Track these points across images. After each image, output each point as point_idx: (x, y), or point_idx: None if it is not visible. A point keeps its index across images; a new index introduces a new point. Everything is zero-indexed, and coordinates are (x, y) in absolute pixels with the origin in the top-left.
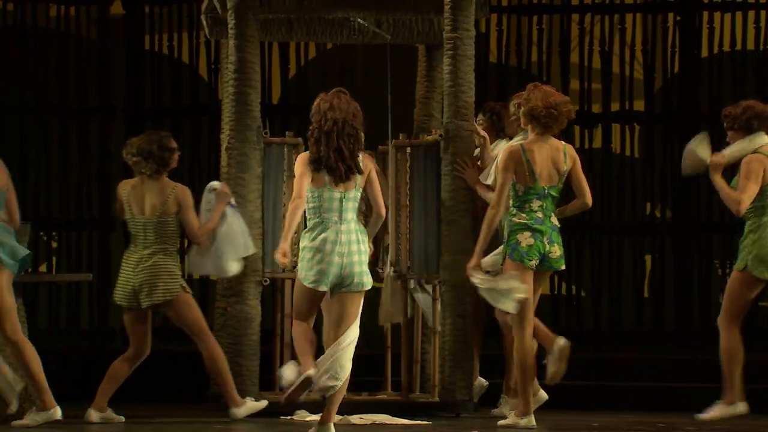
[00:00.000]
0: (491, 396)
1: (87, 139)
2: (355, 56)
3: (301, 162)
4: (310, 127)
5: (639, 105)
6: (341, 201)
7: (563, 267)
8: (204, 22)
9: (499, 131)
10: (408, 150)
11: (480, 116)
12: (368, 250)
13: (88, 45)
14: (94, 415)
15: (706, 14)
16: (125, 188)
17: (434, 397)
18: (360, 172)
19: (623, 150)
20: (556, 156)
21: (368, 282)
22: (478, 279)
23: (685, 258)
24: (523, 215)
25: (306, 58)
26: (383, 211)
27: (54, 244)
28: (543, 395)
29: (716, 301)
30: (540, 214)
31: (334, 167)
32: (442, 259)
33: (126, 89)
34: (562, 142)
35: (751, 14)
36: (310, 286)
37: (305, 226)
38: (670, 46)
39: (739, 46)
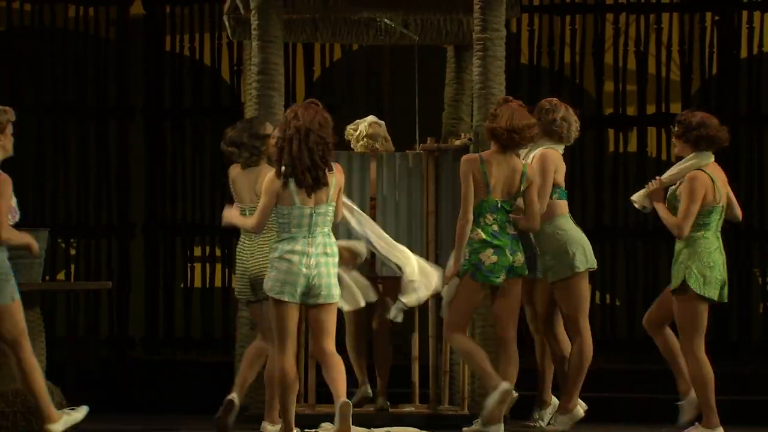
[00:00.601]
0: (520, 408)
1: (106, 142)
2: (382, 57)
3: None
4: (277, 138)
5: (676, 107)
6: (311, 216)
7: (527, 271)
8: (226, 23)
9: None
10: (436, 154)
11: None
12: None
13: (107, 46)
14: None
15: (745, 13)
16: (233, 173)
17: (463, 410)
18: (325, 183)
19: (659, 154)
20: (514, 175)
21: (337, 294)
22: (451, 290)
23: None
24: (480, 230)
25: (331, 59)
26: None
27: (72, 251)
28: (579, 411)
29: (756, 310)
30: (496, 227)
31: (300, 177)
32: None
33: (145, 91)
34: (523, 162)
35: None
36: (276, 296)
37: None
38: (708, 46)
39: None
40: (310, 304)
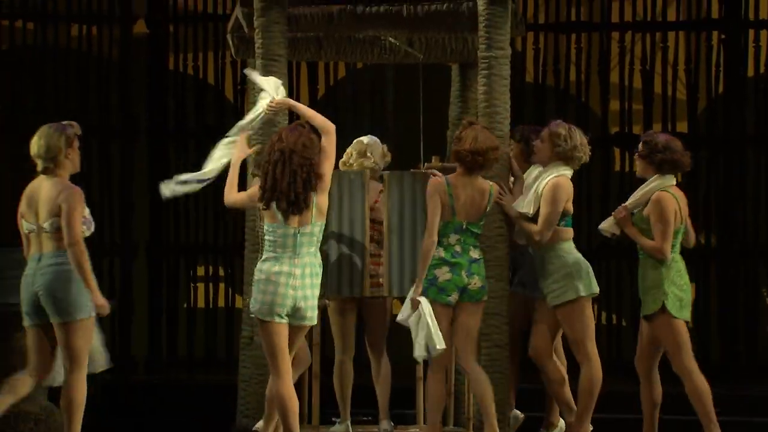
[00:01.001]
0: (527, 430)
1: (109, 161)
2: (386, 76)
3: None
4: (262, 161)
5: (682, 126)
6: (295, 237)
7: (485, 298)
8: (230, 42)
9: (531, 156)
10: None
11: (511, 141)
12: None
13: (110, 65)
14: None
15: (751, 32)
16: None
17: (469, 431)
18: (305, 207)
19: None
20: (481, 197)
21: (315, 318)
22: (425, 308)
23: (730, 286)
24: (441, 249)
25: (335, 78)
26: None
27: None
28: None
29: (764, 331)
30: (458, 248)
31: (278, 201)
32: None
33: (149, 110)
34: (489, 182)
35: None
36: (264, 318)
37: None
38: (715, 65)
39: None
40: (291, 324)
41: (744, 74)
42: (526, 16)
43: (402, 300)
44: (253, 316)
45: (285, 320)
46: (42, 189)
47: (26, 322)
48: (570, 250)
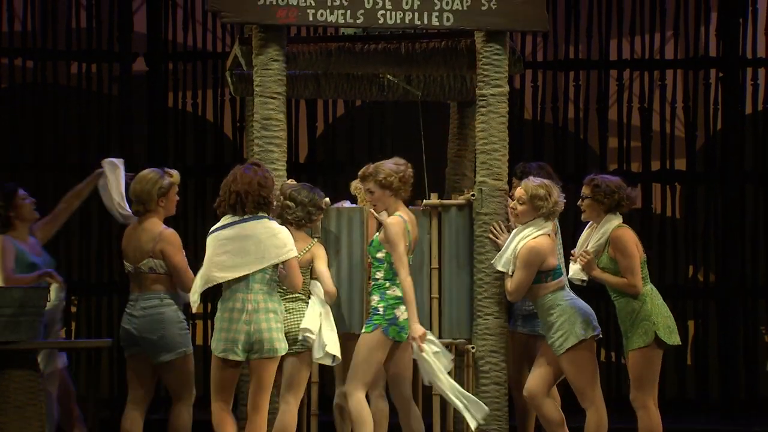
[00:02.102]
0: None
1: None
2: (385, 113)
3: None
4: (217, 201)
5: (680, 164)
6: (249, 275)
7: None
8: (229, 79)
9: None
10: (439, 210)
11: (514, 179)
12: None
13: (110, 102)
14: None
15: (749, 70)
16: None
17: None
18: None
19: (664, 211)
20: (416, 228)
21: (281, 348)
22: (432, 348)
23: (729, 323)
24: (396, 287)
25: (334, 115)
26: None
27: (73, 309)
28: None
29: (763, 369)
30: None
31: None
32: (475, 324)
33: (149, 147)
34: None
35: None
36: (220, 355)
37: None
38: (713, 102)
39: None
40: (254, 358)
41: (742, 112)
42: (525, 54)
43: None
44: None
45: (238, 357)
46: (137, 231)
47: (126, 353)
48: (564, 298)
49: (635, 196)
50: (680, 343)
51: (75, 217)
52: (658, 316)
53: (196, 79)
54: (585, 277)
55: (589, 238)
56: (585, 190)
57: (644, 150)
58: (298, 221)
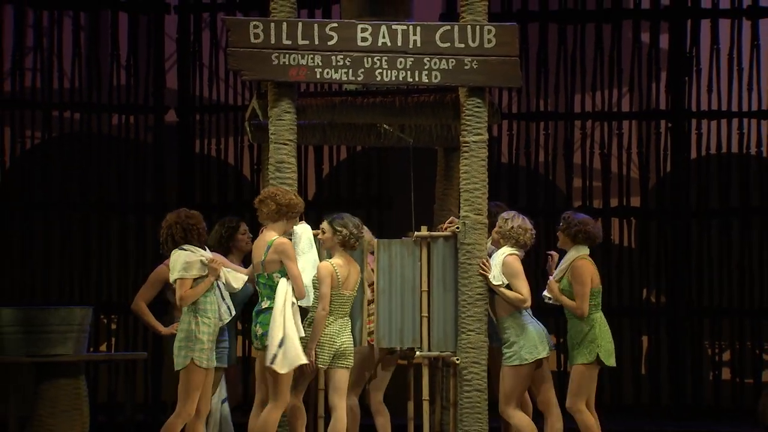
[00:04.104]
0: None
1: (143, 232)
2: (381, 157)
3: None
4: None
5: (635, 201)
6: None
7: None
8: (247, 128)
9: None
10: (428, 241)
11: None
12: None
13: (145, 149)
14: None
15: (694, 121)
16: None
17: None
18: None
19: (621, 241)
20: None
21: (178, 363)
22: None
23: (678, 339)
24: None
25: (338, 159)
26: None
27: (113, 326)
28: None
29: (707, 377)
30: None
31: None
32: (459, 339)
33: (179, 187)
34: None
35: (735, 121)
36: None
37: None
38: (663, 149)
39: (724, 150)
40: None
41: (688, 157)
42: (501, 107)
43: (390, 351)
44: None
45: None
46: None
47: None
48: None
49: (595, 232)
50: (615, 365)
51: (113, 251)
52: (603, 341)
53: (220, 128)
54: (548, 299)
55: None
56: (561, 224)
57: (604, 189)
58: (353, 245)
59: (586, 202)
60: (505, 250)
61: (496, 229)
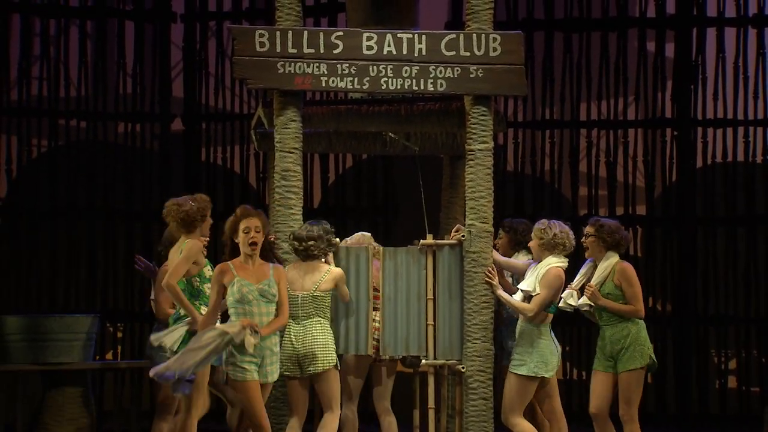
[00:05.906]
0: None
1: (149, 240)
2: (387, 165)
3: None
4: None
5: (641, 209)
6: None
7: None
8: (253, 137)
9: (516, 244)
10: (434, 248)
11: (500, 232)
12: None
13: (152, 157)
14: None
15: (700, 130)
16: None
17: None
18: None
19: (627, 250)
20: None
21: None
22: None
23: (684, 347)
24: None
25: (344, 167)
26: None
27: (119, 334)
28: None
29: (713, 385)
30: None
31: None
32: (465, 347)
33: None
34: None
35: (741, 130)
36: None
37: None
38: (668, 157)
39: (730, 158)
40: None
41: (694, 165)
42: (507, 115)
43: (394, 360)
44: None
45: None
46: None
47: None
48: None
49: (630, 238)
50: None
51: (120, 258)
52: (647, 343)
53: (226, 136)
54: (589, 308)
55: (588, 272)
56: (589, 230)
57: (610, 198)
58: (324, 251)
59: (592, 210)
60: (550, 261)
61: (535, 242)
